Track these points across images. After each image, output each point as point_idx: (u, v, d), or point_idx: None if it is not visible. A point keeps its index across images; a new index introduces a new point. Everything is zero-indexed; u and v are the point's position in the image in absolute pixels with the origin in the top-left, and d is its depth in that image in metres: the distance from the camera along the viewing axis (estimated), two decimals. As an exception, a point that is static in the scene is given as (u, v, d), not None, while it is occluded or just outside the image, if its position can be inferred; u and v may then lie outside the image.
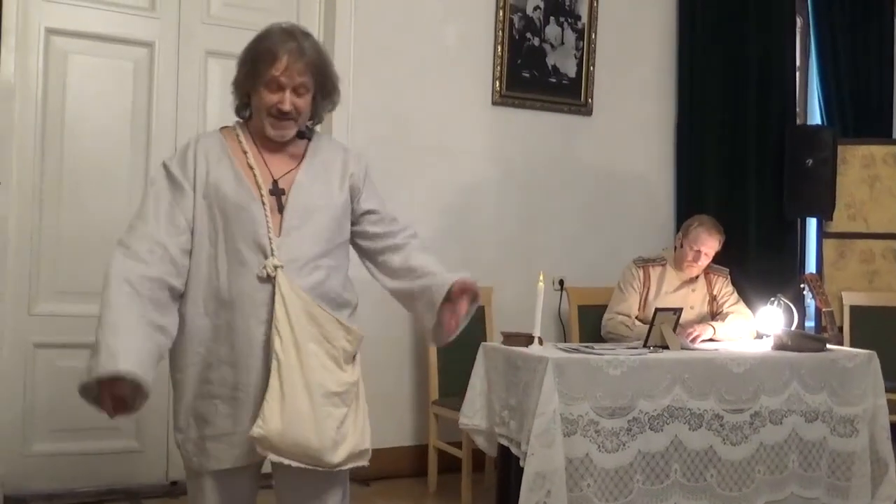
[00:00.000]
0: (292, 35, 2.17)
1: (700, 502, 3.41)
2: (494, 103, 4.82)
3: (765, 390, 3.56)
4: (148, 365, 1.96)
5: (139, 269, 2.03)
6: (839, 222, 5.52)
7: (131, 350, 1.92)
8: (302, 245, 2.18)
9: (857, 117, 5.77)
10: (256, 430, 2.04)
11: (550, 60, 4.94)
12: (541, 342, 3.51)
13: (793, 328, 3.99)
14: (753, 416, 3.53)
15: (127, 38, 4.06)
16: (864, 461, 3.74)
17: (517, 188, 4.88)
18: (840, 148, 5.41)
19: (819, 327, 4.50)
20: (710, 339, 4.01)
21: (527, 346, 3.46)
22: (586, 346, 3.64)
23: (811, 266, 5.62)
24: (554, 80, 4.96)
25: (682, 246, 4.17)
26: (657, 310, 3.75)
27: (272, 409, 2.06)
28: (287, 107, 2.14)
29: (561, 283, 4.90)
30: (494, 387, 3.54)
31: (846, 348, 4.06)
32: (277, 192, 2.19)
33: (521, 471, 3.18)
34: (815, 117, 5.89)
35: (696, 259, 4.12)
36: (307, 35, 2.21)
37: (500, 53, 4.78)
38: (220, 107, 4.21)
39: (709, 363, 3.49)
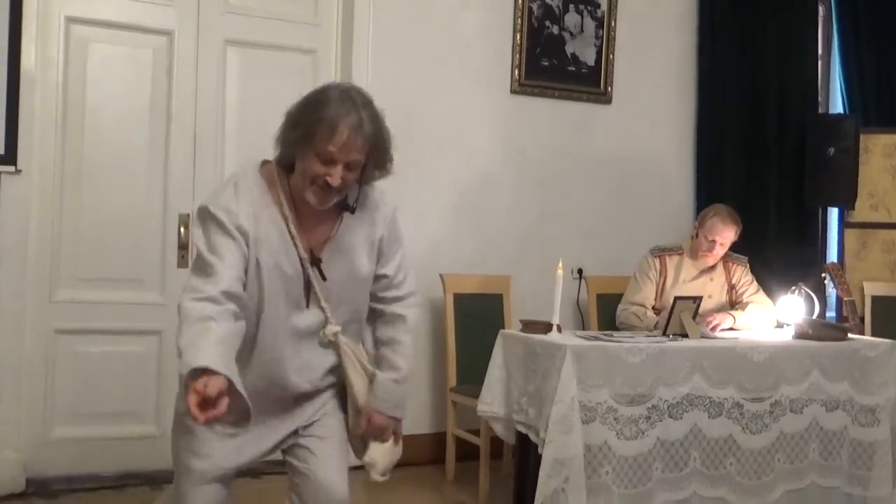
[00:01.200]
0: (353, 105, 2.04)
1: (719, 490, 3.40)
2: (513, 92, 4.80)
3: (785, 379, 3.53)
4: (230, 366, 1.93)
5: (224, 327, 1.98)
6: (861, 212, 5.47)
7: (214, 354, 1.90)
8: (340, 309, 2.25)
9: (880, 106, 5.70)
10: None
11: (570, 49, 4.91)
12: (559, 330, 3.50)
13: (814, 317, 3.95)
14: (773, 405, 3.50)
15: (146, 27, 4.07)
16: (885, 451, 3.70)
17: (535, 177, 4.86)
18: (862, 137, 5.35)
19: (840, 317, 4.46)
20: (730, 329, 3.98)
21: (545, 334, 3.44)
22: (605, 334, 3.62)
23: (832, 256, 5.57)
24: (573, 69, 4.93)
25: (697, 235, 4.14)
26: (677, 298, 3.72)
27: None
28: (336, 182, 2.05)
29: (580, 271, 4.87)
30: (513, 374, 3.53)
31: (868, 338, 4.01)
32: (316, 262, 2.18)
33: (539, 458, 3.17)
34: (838, 106, 5.82)
35: (711, 249, 4.09)
36: (367, 104, 2.09)
37: (518, 42, 4.75)
38: (239, 95, 4.25)
39: (729, 352, 3.47)
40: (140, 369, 4.01)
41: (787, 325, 3.97)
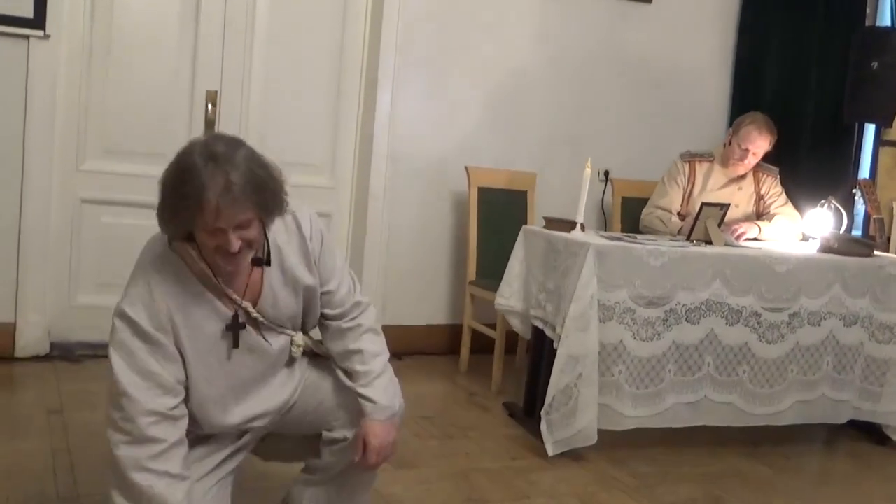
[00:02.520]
0: (216, 165, 1.80)
1: (730, 396, 3.42)
2: (552, -15, 4.66)
3: (806, 291, 3.50)
4: None
5: (151, 452, 1.87)
6: (898, 130, 5.34)
7: None
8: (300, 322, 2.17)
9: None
10: None
11: (613, -56, 4.74)
12: (583, 228, 3.47)
13: (840, 232, 3.89)
14: (792, 317, 3.49)
15: None
16: (899, 368, 3.71)
17: (569, 75, 4.75)
18: (908, 52, 5.17)
19: (867, 234, 4.40)
20: (755, 239, 3.95)
21: (569, 232, 3.42)
22: (629, 236, 3.59)
23: (864, 173, 5.46)
24: (615, -35, 4.76)
25: (730, 143, 4.06)
26: (703, 204, 3.67)
27: None
28: (236, 248, 1.84)
29: (606, 173, 4.82)
30: (532, 270, 3.53)
31: (893, 255, 3.96)
32: (259, 311, 2.04)
33: (553, 353, 3.20)
34: (886, 19, 5.61)
35: (744, 158, 4.02)
36: (232, 152, 1.84)
37: (561, -67, 4.58)
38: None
39: (752, 261, 3.43)
40: (163, 243, 4.03)
41: (813, 238, 3.92)
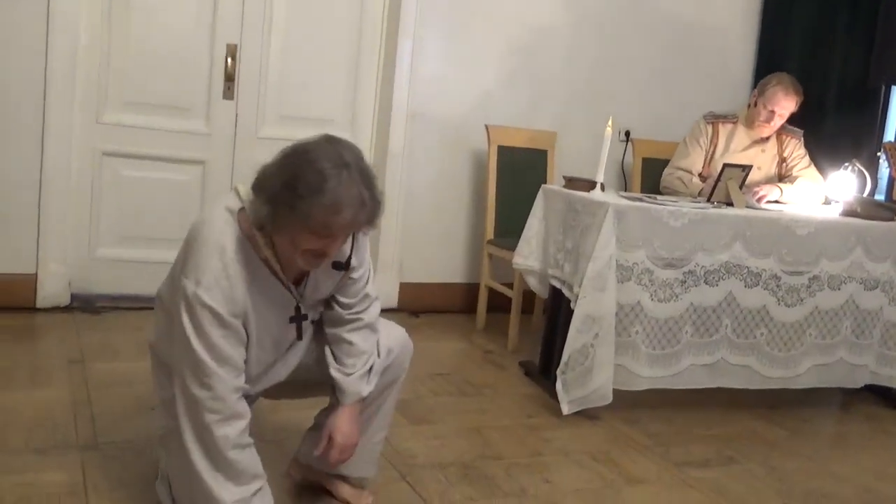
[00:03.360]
0: (350, 175, 1.80)
1: (747, 359, 3.41)
2: (576, -61, 4.59)
3: (827, 255, 3.47)
4: None
5: (240, 427, 1.97)
6: (926, 93, 5.24)
7: None
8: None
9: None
10: None
11: None
12: (602, 188, 3.45)
13: (864, 196, 3.84)
14: (812, 280, 3.47)
15: None
16: (919, 334, 3.68)
17: (591, 32, 4.69)
18: (939, 12, 5.06)
19: (890, 198, 4.33)
20: (777, 201, 3.91)
21: (588, 192, 3.39)
22: (649, 197, 3.56)
23: (890, 136, 5.38)
24: (641, -81, 4.68)
25: (755, 104, 4.00)
26: (725, 165, 3.63)
27: None
28: (331, 255, 1.91)
29: (627, 134, 4.78)
30: (551, 230, 3.51)
31: (917, 220, 3.91)
32: (301, 294, 2.09)
33: (570, 313, 3.19)
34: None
35: (769, 120, 3.96)
36: (359, 163, 1.84)
37: None
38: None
39: (773, 223, 3.40)
40: (183, 197, 4.03)
41: (836, 201, 3.88)
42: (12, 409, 2.71)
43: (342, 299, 2.16)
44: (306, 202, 1.77)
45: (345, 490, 2.34)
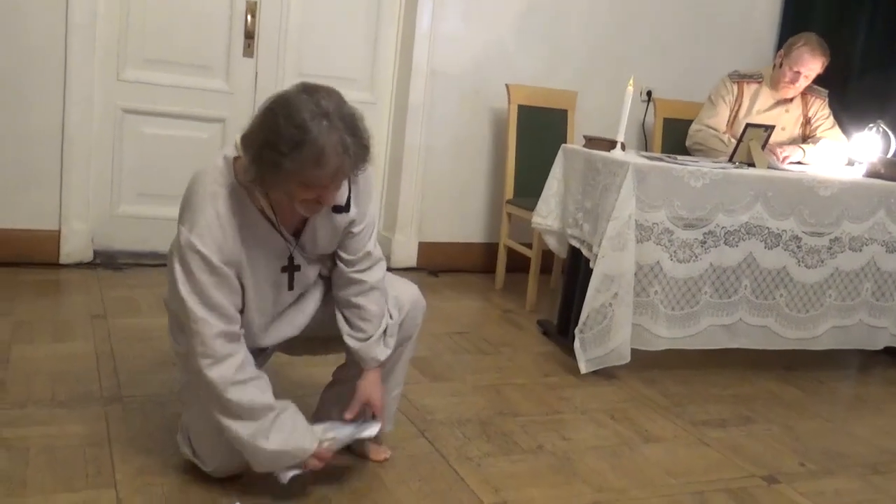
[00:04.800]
0: (330, 123, 1.79)
1: (766, 319, 3.40)
2: None
3: (849, 216, 3.44)
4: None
5: (233, 365, 1.97)
6: (953, 54, 5.13)
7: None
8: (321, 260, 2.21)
9: None
10: None
11: None
12: (623, 148, 3.42)
13: (888, 156, 3.79)
14: (833, 242, 3.44)
15: None
16: (939, 297, 3.65)
17: (614, -11, 4.64)
18: (970, -29, 4.95)
19: (915, 160, 4.27)
20: (799, 163, 3.86)
21: (608, 151, 3.37)
22: (670, 157, 3.53)
23: (916, 97, 5.29)
24: None
25: (781, 65, 3.95)
26: (748, 125, 3.58)
27: None
28: (329, 203, 1.93)
29: (649, 94, 4.73)
30: (571, 189, 3.49)
31: (941, 183, 3.86)
32: (301, 246, 2.09)
33: (589, 273, 3.18)
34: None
35: (795, 80, 3.91)
36: (339, 109, 1.82)
37: None
38: None
39: (795, 184, 3.36)
40: (203, 155, 3.99)
41: (860, 162, 3.83)
42: (37, 363, 2.75)
43: (344, 255, 2.16)
44: (289, 159, 1.77)
45: (363, 445, 2.37)
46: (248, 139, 1.85)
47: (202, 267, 1.90)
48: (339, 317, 2.19)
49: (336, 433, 2.12)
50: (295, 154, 1.77)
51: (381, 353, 2.19)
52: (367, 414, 2.20)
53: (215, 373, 1.93)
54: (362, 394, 2.18)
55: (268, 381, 2.03)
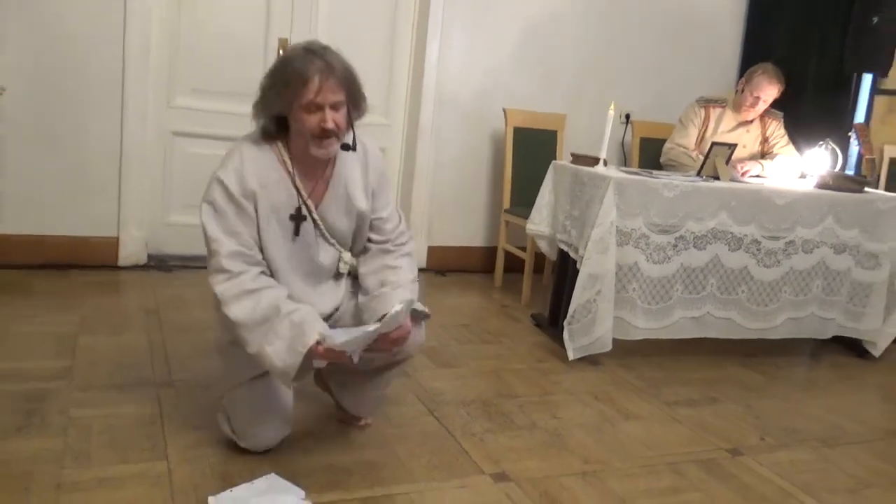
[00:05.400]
0: (314, 54, 1.92)
1: (729, 313, 3.39)
2: (584, -57, 4.50)
3: (802, 222, 3.43)
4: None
5: (243, 280, 1.95)
6: (893, 80, 5.13)
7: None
8: (351, 245, 2.20)
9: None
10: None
11: None
12: (605, 164, 3.41)
13: (836, 170, 3.78)
14: (788, 244, 3.43)
15: None
16: (880, 292, 3.63)
17: (595, 23, 4.62)
18: (907, 9, 4.92)
19: (859, 173, 4.26)
20: (758, 175, 3.85)
21: (593, 167, 3.36)
22: (646, 171, 3.52)
23: (860, 118, 5.27)
24: (642, -75, 4.57)
25: (742, 91, 3.93)
26: (713, 143, 3.57)
27: None
28: (330, 125, 1.93)
29: (627, 116, 4.72)
30: (560, 199, 3.49)
31: (882, 192, 3.84)
32: (318, 206, 2.09)
33: (576, 272, 3.18)
34: (888, -23, 5.34)
35: (754, 105, 3.90)
36: (326, 48, 1.95)
37: None
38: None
39: (755, 194, 3.36)
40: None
41: (811, 175, 3.82)
42: (99, 352, 2.76)
43: (377, 237, 2.18)
44: (281, 82, 1.92)
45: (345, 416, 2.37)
46: (259, 96, 2.00)
47: (223, 196, 1.96)
48: (360, 296, 2.13)
49: (339, 337, 1.90)
50: (284, 78, 1.91)
51: (410, 294, 2.06)
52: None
53: (222, 287, 1.92)
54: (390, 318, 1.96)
55: (283, 293, 1.96)
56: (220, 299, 1.93)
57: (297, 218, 2.06)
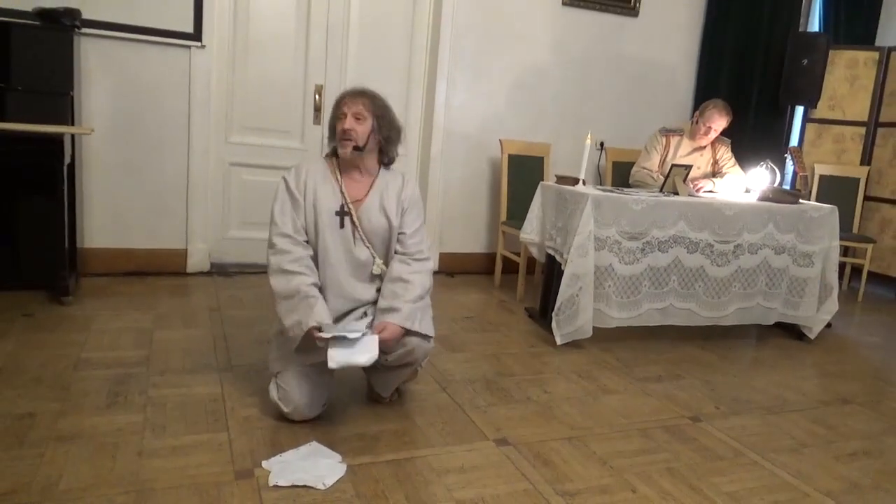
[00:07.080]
0: (355, 88, 2.17)
1: (689, 304, 3.37)
2: (564, 4, 4.49)
3: (747, 228, 3.41)
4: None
5: (285, 259, 2.08)
6: (821, 111, 5.12)
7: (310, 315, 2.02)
8: (382, 252, 2.21)
9: (849, 26, 5.21)
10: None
11: (610, -29, 4.53)
12: (584, 183, 3.40)
13: (774, 186, 3.76)
14: (736, 247, 3.41)
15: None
16: (814, 285, 3.60)
17: (575, 70, 4.62)
18: (831, 52, 4.93)
19: (794, 187, 4.24)
20: (710, 191, 3.83)
21: (574, 186, 3.36)
22: (618, 189, 3.51)
23: (794, 142, 5.26)
24: (611, -13, 4.57)
25: (697, 122, 3.92)
26: (673, 165, 3.57)
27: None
28: (346, 125, 2.10)
29: (601, 144, 4.71)
30: (547, 213, 3.48)
31: (814, 203, 3.82)
32: (357, 209, 2.16)
33: (561, 273, 3.17)
34: (815, 25, 5.34)
35: (707, 133, 3.88)
36: (367, 88, 2.18)
37: (571, -37, 4.39)
38: (360, -4, 4.04)
39: (707, 206, 3.34)
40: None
41: (754, 190, 3.80)
42: (171, 343, 2.78)
43: (400, 248, 2.19)
44: (333, 114, 2.16)
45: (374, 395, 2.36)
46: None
47: (284, 189, 2.14)
48: (384, 289, 2.13)
49: (332, 332, 1.94)
50: (333, 109, 2.17)
51: (414, 322, 2.05)
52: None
53: (274, 259, 2.08)
54: (380, 325, 2.03)
55: (310, 281, 2.04)
56: (269, 268, 2.10)
57: (342, 213, 2.15)
